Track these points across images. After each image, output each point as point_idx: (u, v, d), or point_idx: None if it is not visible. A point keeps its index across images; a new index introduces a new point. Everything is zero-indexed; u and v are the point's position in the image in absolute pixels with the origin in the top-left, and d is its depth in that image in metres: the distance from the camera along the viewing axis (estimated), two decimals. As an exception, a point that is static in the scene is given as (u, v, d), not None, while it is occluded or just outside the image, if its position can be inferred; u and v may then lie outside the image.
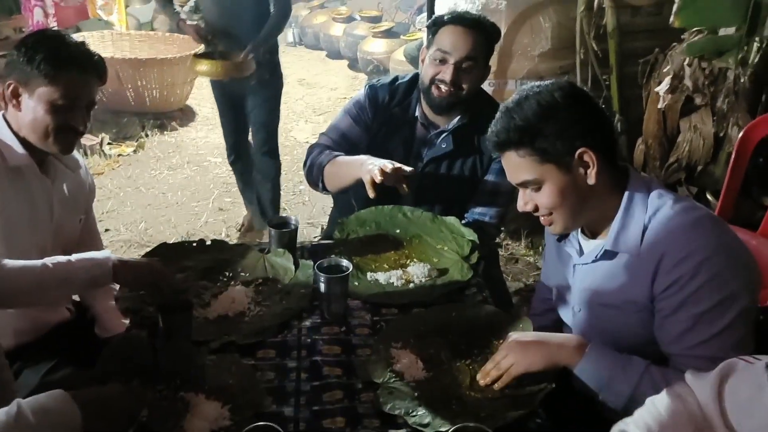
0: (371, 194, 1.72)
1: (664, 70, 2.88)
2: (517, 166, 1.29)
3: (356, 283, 1.65)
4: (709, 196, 2.82)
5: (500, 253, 3.19)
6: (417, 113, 2.02)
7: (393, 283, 1.66)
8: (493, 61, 2.02)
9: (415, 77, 2.04)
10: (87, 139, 4.61)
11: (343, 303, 1.54)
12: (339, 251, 1.78)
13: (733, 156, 2.32)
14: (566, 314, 1.50)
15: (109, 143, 4.85)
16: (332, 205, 2.41)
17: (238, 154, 3.56)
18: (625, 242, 1.28)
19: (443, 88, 1.88)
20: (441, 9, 3.24)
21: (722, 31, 2.72)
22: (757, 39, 2.58)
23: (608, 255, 1.32)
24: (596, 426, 1.31)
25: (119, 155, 4.78)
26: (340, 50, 7.81)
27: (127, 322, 1.59)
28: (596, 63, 3.23)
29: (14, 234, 1.53)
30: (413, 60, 5.54)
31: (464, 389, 1.29)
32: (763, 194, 2.65)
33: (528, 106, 1.26)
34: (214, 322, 1.50)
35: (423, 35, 4.10)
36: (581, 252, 1.40)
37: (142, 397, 1.19)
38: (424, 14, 4.04)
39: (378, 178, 1.68)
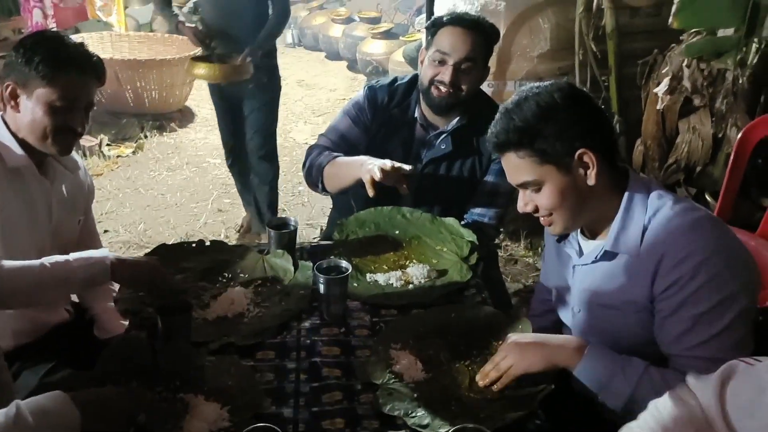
0: (371, 193, 1.73)
1: (663, 71, 2.88)
2: (516, 167, 1.29)
3: (355, 284, 1.65)
4: (707, 197, 2.82)
5: (499, 254, 3.19)
6: (416, 114, 2.02)
7: (392, 284, 1.66)
8: (492, 62, 2.03)
9: (414, 78, 2.04)
10: (86, 140, 4.61)
11: (342, 304, 1.54)
12: (338, 252, 1.77)
13: (731, 157, 2.33)
14: (566, 315, 1.50)
15: (108, 144, 4.85)
16: (331, 207, 2.41)
17: (235, 157, 3.54)
18: (625, 243, 1.28)
19: (442, 89, 1.88)
20: (440, 10, 3.24)
21: (721, 32, 2.72)
22: (755, 40, 2.59)
23: (608, 256, 1.32)
24: (595, 427, 1.31)
25: (118, 156, 4.78)
26: (339, 51, 7.81)
27: (126, 323, 1.59)
28: (595, 64, 3.24)
29: (13, 235, 1.52)
30: (412, 61, 5.54)
31: (463, 390, 1.29)
32: (762, 195, 2.65)
33: (527, 107, 1.26)
34: (213, 324, 1.50)
35: (422, 36, 4.11)
36: (581, 253, 1.40)
37: (141, 399, 1.19)
38: (423, 15, 4.04)
39: (378, 176, 1.68)
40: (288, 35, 8.74)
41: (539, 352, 1.26)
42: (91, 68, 1.53)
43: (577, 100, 1.28)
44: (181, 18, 3.26)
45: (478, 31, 1.88)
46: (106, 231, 3.67)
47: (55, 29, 5.11)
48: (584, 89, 1.37)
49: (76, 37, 2.77)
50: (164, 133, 5.34)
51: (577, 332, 1.44)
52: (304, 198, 4.22)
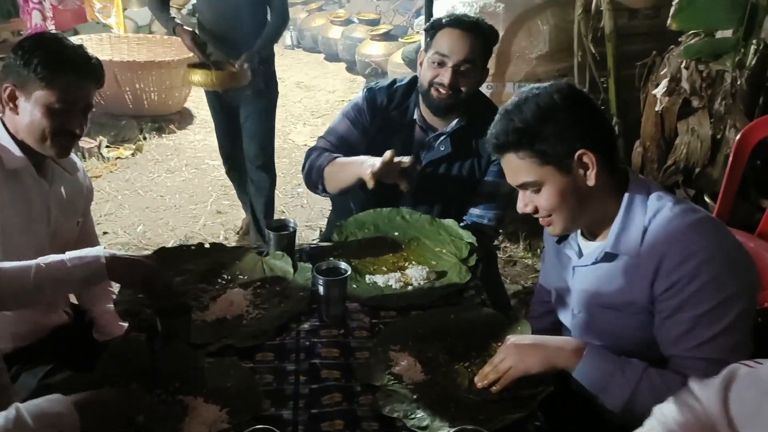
0: (370, 185, 1.73)
1: (662, 73, 2.88)
2: (516, 167, 1.29)
3: (355, 286, 1.65)
4: (706, 199, 2.82)
5: (498, 255, 3.20)
6: (415, 116, 2.02)
7: (391, 285, 1.66)
8: (491, 64, 2.03)
9: (414, 80, 2.04)
10: (85, 142, 4.61)
11: (341, 306, 1.54)
12: (337, 254, 1.78)
13: (730, 158, 2.33)
14: (565, 316, 1.50)
15: (107, 146, 4.85)
16: (330, 208, 2.41)
17: (233, 163, 3.50)
18: (626, 244, 1.28)
19: (442, 90, 1.89)
20: (439, 12, 3.25)
21: (719, 34, 2.72)
22: (754, 41, 2.59)
23: (608, 257, 1.32)
24: (595, 427, 1.31)
25: (117, 158, 4.78)
26: (338, 53, 7.81)
27: (125, 325, 1.59)
28: (594, 66, 3.24)
29: (11, 237, 1.52)
30: (411, 63, 5.55)
31: (463, 392, 1.29)
32: (761, 196, 2.65)
33: (527, 108, 1.26)
34: (213, 325, 1.50)
35: (421, 38, 4.11)
36: (580, 254, 1.40)
37: (141, 401, 1.19)
38: (422, 17, 4.04)
39: (377, 168, 1.69)
40: (287, 37, 8.75)
41: (538, 353, 1.26)
42: (90, 70, 1.53)
43: (576, 101, 1.28)
44: (179, 20, 3.20)
45: (477, 33, 1.88)
46: (105, 233, 3.66)
47: (54, 31, 5.11)
48: (584, 90, 1.37)
49: (75, 39, 2.76)
50: (163, 135, 5.34)
51: (576, 333, 1.44)
52: (303, 200, 4.22)
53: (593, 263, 1.35)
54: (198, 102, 5.88)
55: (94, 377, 1.28)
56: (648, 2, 3.29)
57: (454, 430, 1.08)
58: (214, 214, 4.01)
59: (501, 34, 2.85)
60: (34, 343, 1.64)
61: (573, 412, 1.31)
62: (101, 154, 4.74)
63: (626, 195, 1.29)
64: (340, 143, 2.03)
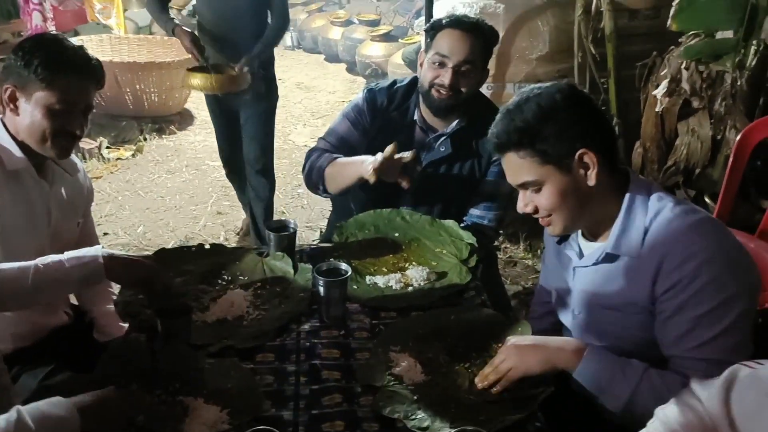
0: (372, 180, 1.74)
1: (662, 74, 2.88)
2: (517, 167, 1.29)
3: (355, 287, 1.65)
4: (707, 199, 2.82)
5: (499, 256, 3.20)
6: (415, 117, 2.02)
7: (392, 286, 1.66)
8: (491, 65, 2.03)
9: (414, 81, 2.05)
10: (85, 143, 4.61)
11: (341, 306, 1.54)
12: (338, 255, 1.78)
13: (730, 159, 2.33)
14: (566, 317, 1.50)
15: (107, 147, 4.85)
16: (331, 209, 2.41)
17: (233, 166, 3.48)
18: (627, 245, 1.28)
19: (442, 91, 1.89)
20: (439, 13, 3.25)
21: (719, 35, 2.72)
22: (754, 42, 2.59)
23: (609, 258, 1.32)
24: (595, 428, 1.31)
25: (118, 159, 4.78)
26: (339, 54, 7.81)
27: (125, 325, 1.59)
28: (594, 66, 3.24)
29: (12, 238, 1.52)
30: (411, 63, 5.56)
31: (463, 392, 1.29)
32: (761, 197, 2.65)
33: (528, 108, 1.26)
34: (213, 326, 1.50)
35: (421, 39, 4.12)
36: (581, 254, 1.40)
37: (141, 401, 1.19)
38: (422, 18, 4.04)
39: (378, 162, 1.70)
40: (287, 38, 8.74)
41: (538, 354, 1.26)
42: (91, 71, 1.53)
43: (577, 101, 1.28)
44: (177, 21, 3.13)
45: (477, 34, 1.88)
46: (105, 234, 3.67)
47: (54, 32, 5.11)
48: (585, 91, 1.37)
49: (75, 40, 2.75)
50: (163, 136, 5.34)
51: (577, 334, 1.44)
52: (304, 200, 4.22)
53: (594, 264, 1.35)
54: (198, 103, 5.88)
55: (95, 378, 1.28)
56: (648, 3, 3.30)
57: (454, 430, 1.08)
58: (214, 215, 4.01)
59: (501, 34, 2.86)
60: (35, 343, 1.64)
61: (573, 412, 1.31)
62: (101, 155, 4.74)
63: (627, 195, 1.30)
64: (341, 144, 2.03)
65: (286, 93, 3.34)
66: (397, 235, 1.88)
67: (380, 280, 1.68)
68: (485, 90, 2.76)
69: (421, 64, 1.97)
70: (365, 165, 1.77)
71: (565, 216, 1.30)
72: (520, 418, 1.19)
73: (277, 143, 3.53)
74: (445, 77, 1.87)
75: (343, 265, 1.57)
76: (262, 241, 3.17)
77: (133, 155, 4.89)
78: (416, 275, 1.69)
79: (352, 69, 7.53)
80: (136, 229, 3.79)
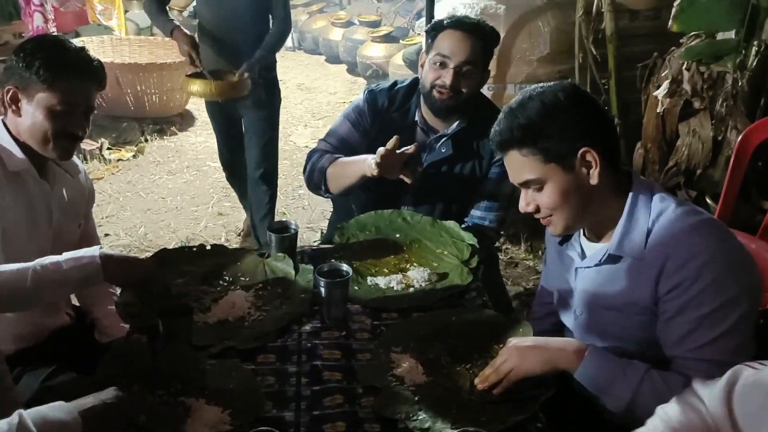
0: (375, 173, 1.75)
1: (663, 75, 2.88)
2: (520, 165, 1.30)
3: (356, 288, 1.65)
4: (708, 200, 2.82)
5: (500, 257, 3.20)
6: (416, 118, 2.02)
7: (393, 287, 1.66)
8: (492, 66, 2.03)
9: (415, 82, 2.05)
10: (87, 144, 4.61)
11: (343, 307, 1.54)
12: (339, 256, 1.78)
13: (732, 160, 2.33)
14: (567, 318, 1.50)
15: (108, 148, 4.86)
16: (332, 210, 2.41)
17: (233, 170, 3.45)
18: (629, 246, 1.28)
19: (443, 92, 1.89)
20: (440, 14, 3.25)
21: (720, 36, 2.72)
22: (755, 43, 2.59)
23: (612, 259, 1.32)
24: (597, 429, 1.31)
25: (119, 160, 4.79)
26: (339, 55, 7.82)
27: (127, 326, 1.59)
28: (595, 67, 3.24)
29: (13, 239, 1.52)
30: (412, 64, 5.56)
31: (464, 393, 1.29)
32: (762, 198, 2.65)
33: (532, 106, 1.26)
34: (214, 327, 1.50)
35: (422, 40, 4.12)
36: (583, 255, 1.40)
37: (142, 402, 1.19)
38: (423, 19, 4.05)
39: (381, 154, 1.70)
40: (288, 39, 8.74)
41: (540, 355, 1.26)
42: (92, 72, 1.53)
43: (580, 100, 1.28)
44: (176, 22, 3.07)
45: (478, 35, 1.88)
46: (106, 235, 3.67)
47: (55, 33, 5.12)
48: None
49: (76, 41, 2.74)
50: (165, 137, 5.35)
51: (578, 334, 1.44)
52: (305, 201, 4.22)
53: (596, 265, 1.35)
54: (199, 104, 5.86)
55: (96, 379, 1.28)
56: (649, 4, 3.30)
57: (456, 431, 1.08)
58: (215, 215, 4.01)
59: (502, 35, 2.85)
60: (36, 344, 1.65)
61: (575, 413, 1.31)
62: (103, 156, 4.74)
63: (630, 195, 1.30)
64: (341, 145, 2.03)
65: (287, 94, 3.33)
66: (398, 236, 1.88)
67: (381, 281, 1.68)
68: (486, 91, 2.76)
69: (422, 65, 1.97)
70: (367, 162, 1.78)
71: (567, 215, 1.30)
72: (521, 419, 1.18)
73: (278, 144, 3.51)
74: (446, 78, 1.87)
75: (345, 266, 1.57)
76: (262, 246, 3.15)
77: (134, 156, 4.89)
78: (417, 276, 1.69)
79: (352, 70, 7.53)
80: (137, 230, 3.79)
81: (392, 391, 1.28)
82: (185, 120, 5.74)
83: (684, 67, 2.77)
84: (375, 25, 7.71)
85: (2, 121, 1.55)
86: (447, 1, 3.46)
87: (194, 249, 1.78)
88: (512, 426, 1.17)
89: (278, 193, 3.53)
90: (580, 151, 1.25)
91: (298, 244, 1.81)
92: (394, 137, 1.73)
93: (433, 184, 2.00)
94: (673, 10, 2.66)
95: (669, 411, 1.04)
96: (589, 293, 1.39)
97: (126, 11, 6.54)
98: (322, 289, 1.50)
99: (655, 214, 1.27)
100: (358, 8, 8.87)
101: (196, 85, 2.90)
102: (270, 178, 3.27)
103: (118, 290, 1.62)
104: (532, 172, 1.28)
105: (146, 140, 5.17)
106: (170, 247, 1.83)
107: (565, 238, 1.44)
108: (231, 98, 2.97)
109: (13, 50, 1.53)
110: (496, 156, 1.95)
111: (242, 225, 3.76)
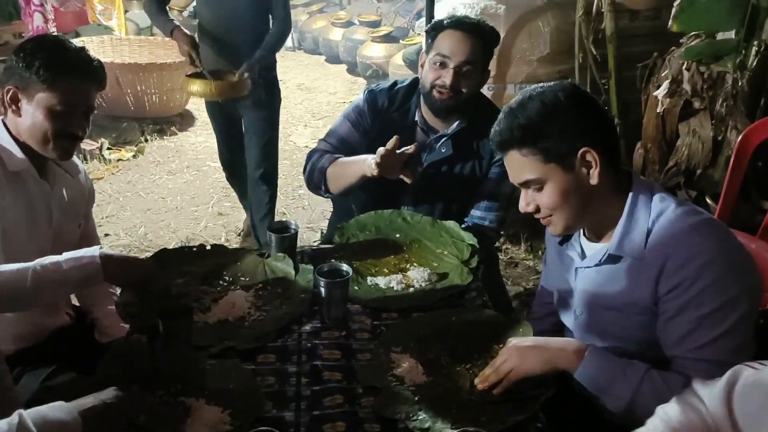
0: (375, 173, 1.75)
1: (663, 75, 2.88)
2: (520, 165, 1.30)
3: (356, 288, 1.65)
4: (708, 200, 2.82)
5: (500, 257, 3.20)
6: (416, 118, 2.02)
7: (393, 287, 1.66)
8: (492, 66, 2.03)
9: (415, 82, 2.05)
10: (87, 144, 4.61)
11: (343, 307, 1.54)
12: (339, 256, 1.78)
13: (732, 160, 2.33)
14: (567, 318, 1.50)
15: (108, 148, 4.86)
16: (332, 210, 2.41)
17: (232, 171, 3.45)
18: (630, 246, 1.28)
19: (444, 92, 1.89)
20: (440, 14, 3.25)
21: (720, 36, 2.72)
22: (755, 43, 2.59)
23: (612, 259, 1.32)
24: (597, 429, 1.31)
25: (119, 160, 4.79)
26: (339, 55, 7.82)
27: (127, 326, 1.59)
28: (595, 67, 3.24)
29: (13, 239, 1.52)
30: (412, 64, 5.56)
31: (464, 393, 1.29)
32: (762, 198, 2.65)
33: (532, 106, 1.26)
34: (214, 327, 1.50)
35: (422, 40, 4.12)
36: (583, 255, 1.40)
37: (142, 402, 1.19)
38: (423, 19, 4.05)
39: (380, 157, 1.71)
40: (288, 39, 8.74)
41: (539, 355, 1.26)
42: (92, 72, 1.53)
43: (580, 100, 1.28)
44: (176, 22, 3.06)
45: (479, 35, 1.88)
46: (106, 235, 3.67)
47: (55, 33, 5.12)
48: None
49: (76, 41, 2.73)
50: (165, 137, 5.35)
51: (578, 335, 1.44)
52: (305, 201, 4.22)
53: (597, 265, 1.35)
54: (199, 104, 5.86)
55: (96, 379, 1.28)
56: (649, 4, 3.30)
57: (456, 431, 1.08)
58: (215, 215, 4.01)
59: (502, 35, 2.85)
60: (36, 344, 1.65)
61: (575, 413, 1.31)
62: (103, 156, 4.74)
63: (630, 195, 1.30)
64: (341, 145, 2.03)
65: (287, 94, 3.33)
66: (398, 236, 1.88)
67: (381, 281, 1.68)
68: (486, 91, 2.76)
69: (422, 65, 1.97)
70: (367, 162, 1.78)
71: (567, 215, 1.30)
72: (521, 420, 1.18)
73: (278, 144, 3.51)
74: (447, 78, 1.87)
75: (345, 266, 1.57)
76: (262, 245, 3.15)
77: (134, 156, 4.89)
78: (417, 276, 1.69)
79: (352, 70, 7.53)
80: (137, 230, 3.79)
81: (392, 391, 1.28)
82: (185, 120, 5.74)
83: (684, 67, 2.77)
84: (375, 25, 7.71)
85: (2, 121, 1.55)
86: (447, 1, 3.46)
87: (194, 249, 1.78)
88: (512, 426, 1.17)
89: (278, 193, 3.53)
90: (580, 151, 1.25)
91: (298, 244, 1.81)
92: (394, 137, 1.73)
93: (433, 184, 2.00)
94: (673, 10, 2.66)
95: (669, 411, 1.04)
96: (589, 293, 1.39)
97: (126, 11, 6.54)
98: (322, 289, 1.50)
99: (655, 214, 1.27)
100: (358, 8, 8.87)
101: (196, 85, 2.89)
102: (270, 178, 3.26)
103: (118, 290, 1.62)
104: (532, 172, 1.28)
105: (146, 140, 5.17)
106: (170, 247, 1.83)
107: (565, 238, 1.44)
108: (231, 98, 2.96)
109: (13, 50, 1.53)
110: (496, 156, 1.95)
111: (242, 225, 3.76)
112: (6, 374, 1.31)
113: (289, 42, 8.73)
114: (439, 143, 2.00)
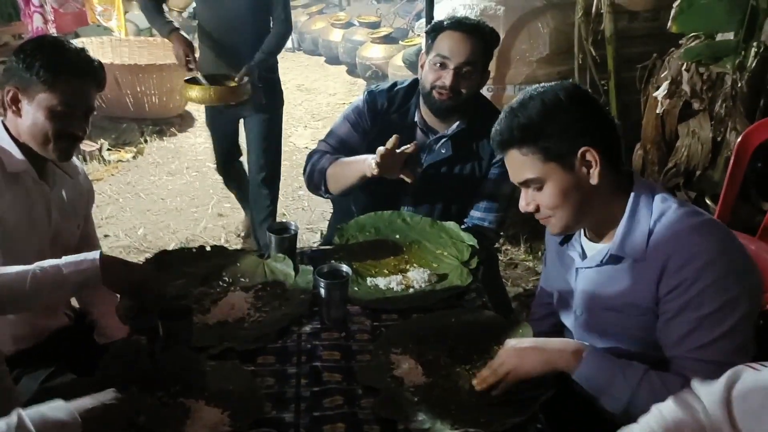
0: (375, 172, 1.75)
1: (662, 75, 2.88)
2: (520, 164, 1.30)
3: (356, 289, 1.65)
4: (707, 201, 2.82)
5: (499, 258, 3.20)
6: (416, 119, 2.02)
7: (393, 288, 1.66)
8: (492, 67, 2.03)
9: (414, 83, 2.05)
10: (86, 145, 4.61)
11: (342, 308, 1.54)
12: (339, 257, 1.78)
13: (731, 161, 2.33)
14: (567, 318, 1.50)
15: (108, 149, 4.86)
16: (332, 211, 2.41)
17: (228, 175, 3.42)
18: (631, 247, 1.28)
19: (443, 92, 1.89)
20: (440, 15, 3.25)
21: (719, 36, 2.72)
22: (754, 44, 2.59)
23: (613, 259, 1.32)
24: (597, 429, 1.31)
25: (118, 161, 4.79)
26: (339, 56, 7.82)
27: (126, 327, 1.59)
28: (594, 68, 3.24)
29: (12, 240, 1.52)
30: (412, 65, 5.56)
31: (464, 394, 1.29)
32: (762, 198, 2.65)
33: (532, 105, 1.27)
34: (214, 328, 1.50)
35: (421, 41, 4.12)
36: (584, 256, 1.40)
37: (142, 404, 1.19)
38: (423, 20, 4.05)
39: (380, 157, 1.71)
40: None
41: (538, 356, 1.26)
42: (92, 73, 1.53)
43: (581, 100, 1.28)
44: (177, 24, 3.02)
45: (478, 36, 1.88)
46: (106, 236, 3.67)
47: (55, 34, 5.12)
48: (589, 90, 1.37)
49: (76, 42, 2.71)
50: (164, 138, 5.35)
51: (578, 335, 1.44)
52: (305, 202, 4.22)
53: (598, 265, 1.35)
54: (199, 105, 5.87)
55: (96, 380, 1.28)
56: (648, 5, 3.30)
57: (455, 432, 1.08)
58: (215, 216, 4.01)
59: (501, 37, 2.85)
60: (35, 345, 1.64)
61: (575, 414, 1.31)
62: (102, 157, 4.74)
63: (632, 195, 1.29)
64: (341, 146, 2.03)
65: (286, 95, 3.30)
66: (397, 236, 1.89)
67: (381, 282, 1.68)
68: (485, 92, 2.76)
69: (422, 66, 1.97)
70: (367, 162, 1.78)
71: (567, 215, 1.30)
72: (521, 420, 1.18)
73: (281, 148, 3.47)
74: (446, 78, 1.87)
75: (344, 267, 1.57)
76: (262, 247, 3.13)
77: (133, 157, 4.89)
78: (417, 277, 1.69)
79: (352, 71, 7.53)
80: (137, 231, 3.79)
81: (392, 392, 1.28)
82: (185, 121, 5.74)
83: (683, 68, 2.77)
84: (374, 26, 7.71)
85: (1, 122, 1.55)
86: (446, 2, 3.46)
87: (194, 250, 1.78)
88: (512, 427, 1.17)
89: (276, 218, 3.46)
90: (580, 151, 1.25)
91: (298, 245, 1.81)
92: (394, 136, 1.74)
93: (433, 184, 2.00)
94: (673, 11, 2.66)
95: (663, 409, 1.04)
96: (589, 293, 1.39)
97: (126, 12, 6.53)
98: (322, 290, 1.50)
99: (656, 214, 1.27)
100: (358, 9, 8.87)
101: (195, 91, 2.84)
102: (272, 181, 3.21)
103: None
104: (532, 171, 1.28)
105: (146, 141, 5.17)
106: (170, 249, 1.83)
107: (566, 239, 1.44)
108: (230, 103, 2.90)
109: (13, 51, 1.53)
110: (496, 157, 1.95)
111: (241, 226, 3.74)
112: (6, 375, 1.31)
113: (288, 43, 8.65)
114: (439, 144, 2.00)
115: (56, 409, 1.05)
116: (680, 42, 2.88)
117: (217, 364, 1.36)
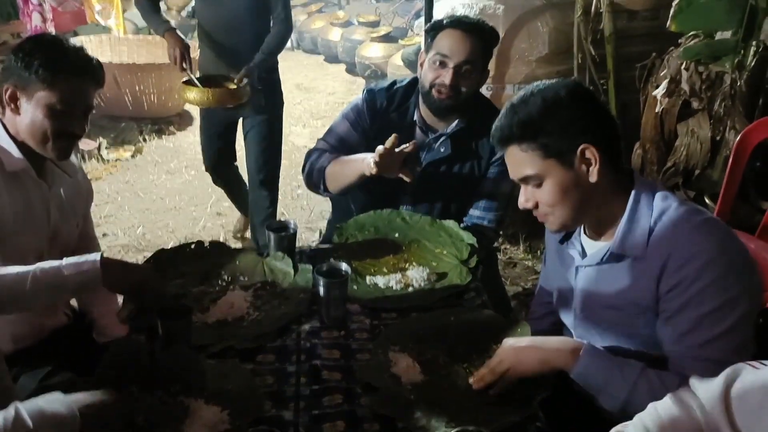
0: (373, 172, 1.74)
1: (661, 75, 2.89)
2: (520, 160, 1.30)
3: (355, 287, 1.65)
4: (706, 200, 2.82)
5: (498, 257, 3.20)
6: (415, 117, 2.02)
7: (392, 287, 1.66)
8: (491, 66, 2.03)
9: (414, 81, 2.05)
10: (85, 144, 4.60)
11: (342, 307, 1.54)
12: (338, 255, 1.78)
13: (730, 160, 2.33)
14: (567, 317, 1.50)
15: (107, 148, 4.85)
16: (331, 210, 2.41)
17: (218, 174, 3.40)
18: (631, 245, 1.28)
19: (443, 91, 1.89)
20: (439, 14, 3.25)
21: (719, 36, 2.73)
22: (753, 43, 2.59)
23: (613, 257, 1.32)
24: (596, 428, 1.31)
25: (117, 160, 4.78)
26: (338, 55, 7.82)
27: (125, 326, 1.59)
28: (593, 67, 3.24)
29: (11, 239, 1.52)
30: (411, 64, 5.56)
31: (463, 393, 1.29)
32: (761, 198, 2.65)
33: (533, 102, 1.27)
34: (213, 327, 1.50)
35: (421, 40, 4.12)
36: (584, 254, 1.40)
37: (141, 402, 1.19)
38: (422, 19, 4.05)
39: (380, 152, 1.70)
40: (287, 39, 8.72)
41: (536, 354, 1.26)
42: (91, 72, 1.53)
43: (582, 97, 1.28)
44: (174, 24, 3.02)
45: (478, 35, 1.88)
46: (105, 235, 3.66)
47: (54, 33, 5.11)
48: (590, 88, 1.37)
49: (74, 41, 2.70)
50: (163, 137, 5.34)
51: (578, 334, 1.44)
52: (304, 201, 4.22)
53: (598, 264, 1.35)
54: (198, 104, 5.87)
55: (95, 379, 1.27)
56: (647, 4, 3.30)
57: (455, 430, 1.08)
58: (214, 215, 4.01)
59: (501, 35, 2.85)
60: (34, 344, 1.64)
61: (574, 412, 1.31)
62: (101, 155, 4.74)
63: (632, 193, 1.29)
64: (340, 145, 2.03)
65: (285, 94, 3.30)
66: (397, 235, 1.88)
67: (380, 281, 1.68)
68: (485, 91, 2.77)
69: (421, 65, 1.97)
70: (366, 161, 1.78)
71: (565, 212, 1.30)
72: (520, 419, 1.18)
73: (281, 148, 3.45)
74: (446, 77, 1.87)
75: (344, 266, 1.57)
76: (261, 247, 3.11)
77: (132, 156, 4.89)
78: (416, 276, 1.69)
79: (351, 70, 7.53)
80: (136, 230, 3.78)
81: (391, 390, 1.28)
82: (183, 120, 5.74)
83: (682, 67, 2.78)
84: (374, 25, 7.72)
85: (0, 121, 1.55)
86: (446, 1, 3.46)
87: (192, 247, 1.77)
88: (511, 426, 1.17)
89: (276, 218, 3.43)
90: (579, 148, 1.25)
91: (297, 243, 1.81)
92: (393, 135, 1.73)
93: (432, 183, 2.00)
94: (672, 10, 2.66)
95: (659, 406, 1.04)
96: (589, 292, 1.39)
97: (124, 11, 6.52)
98: (321, 289, 1.50)
99: (657, 213, 1.27)
100: (357, 8, 8.88)
101: (193, 93, 2.79)
102: (271, 182, 3.18)
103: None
104: (532, 167, 1.28)
105: (144, 140, 5.17)
106: (168, 247, 1.83)
107: (566, 237, 1.44)
108: (229, 105, 2.86)
109: (12, 50, 1.53)
110: (495, 155, 1.95)
111: (237, 224, 3.70)
112: (5, 374, 1.30)
113: (288, 42, 8.77)
114: (438, 143, 2.00)
115: (54, 402, 1.04)
116: (679, 41, 2.88)
117: (217, 362, 1.35)
